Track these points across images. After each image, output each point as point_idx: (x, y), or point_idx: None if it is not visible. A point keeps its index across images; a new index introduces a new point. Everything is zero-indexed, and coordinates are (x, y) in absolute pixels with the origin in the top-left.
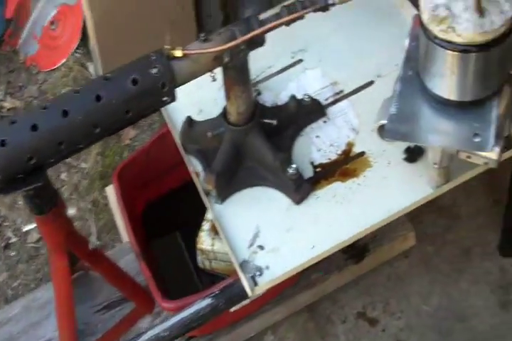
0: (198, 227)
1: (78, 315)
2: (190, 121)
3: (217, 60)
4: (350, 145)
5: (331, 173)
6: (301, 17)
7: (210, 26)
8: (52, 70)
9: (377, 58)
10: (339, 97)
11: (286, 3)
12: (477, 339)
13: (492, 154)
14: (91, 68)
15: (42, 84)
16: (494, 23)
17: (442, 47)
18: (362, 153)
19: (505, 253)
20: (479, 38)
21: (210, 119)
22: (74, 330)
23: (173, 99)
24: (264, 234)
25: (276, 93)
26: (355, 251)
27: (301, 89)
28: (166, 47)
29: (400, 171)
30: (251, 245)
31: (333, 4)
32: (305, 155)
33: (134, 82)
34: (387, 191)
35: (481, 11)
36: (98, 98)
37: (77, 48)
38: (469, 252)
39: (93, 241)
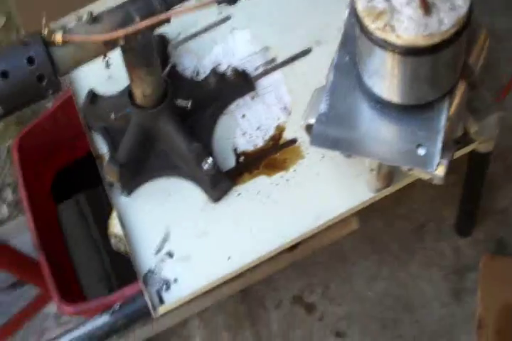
0: None
1: None
2: (92, 97)
3: (109, 45)
4: (280, 129)
5: (256, 164)
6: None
7: None
8: None
9: (317, 20)
10: (271, 67)
11: None
12: (424, 333)
13: (438, 171)
14: None
15: None
16: (443, 23)
17: (379, 46)
18: (293, 141)
19: (461, 232)
20: (423, 41)
21: (116, 95)
22: None
23: (56, 89)
24: (175, 238)
25: (199, 57)
26: None
27: (227, 54)
28: (44, 32)
29: (335, 167)
30: (158, 251)
31: None
32: (228, 140)
33: (4, 75)
34: (320, 191)
35: (427, 7)
36: None
37: None
38: (422, 229)
39: (7, 196)
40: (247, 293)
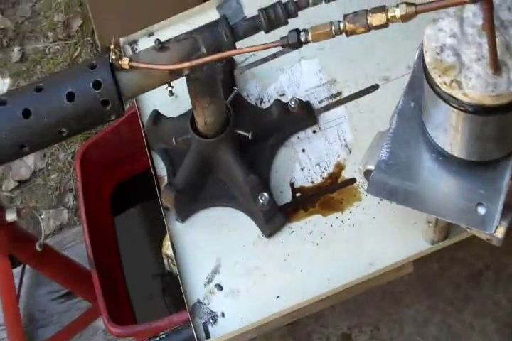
0: None
1: (34, 301)
2: (156, 117)
3: (174, 74)
4: (340, 167)
5: (312, 202)
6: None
7: None
8: None
9: (388, 55)
10: (335, 101)
11: (264, 7)
12: None
13: (497, 232)
14: None
15: (35, 4)
16: None
17: (445, 100)
18: (352, 181)
19: None
20: (490, 101)
21: (179, 118)
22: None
23: (119, 114)
24: (225, 271)
25: (264, 85)
26: None
27: (293, 84)
28: (111, 55)
29: (393, 212)
30: (208, 282)
31: (306, 42)
32: (286, 173)
33: (70, 97)
34: (374, 236)
35: (496, 65)
36: (26, 113)
37: None
38: (480, 276)
39: (69, 201)
40: (294, 327)
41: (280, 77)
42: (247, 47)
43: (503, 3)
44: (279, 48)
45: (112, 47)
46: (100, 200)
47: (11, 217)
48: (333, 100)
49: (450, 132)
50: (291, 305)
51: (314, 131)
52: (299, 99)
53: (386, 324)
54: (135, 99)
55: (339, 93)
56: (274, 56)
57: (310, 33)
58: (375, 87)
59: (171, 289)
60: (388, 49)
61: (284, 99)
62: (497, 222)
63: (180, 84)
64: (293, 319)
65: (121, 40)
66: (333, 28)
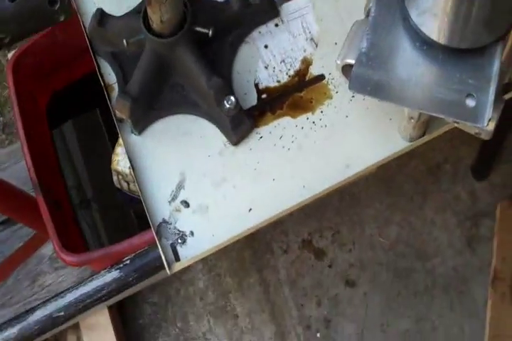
0: None
1: None
2: (101, 17)
3: None
4: (306, 63)
5: (280, 104)
6: None
7: None
8: None
9: None
10: None
11: None
12: (436, 284)
13: (488, 126)
14: None
15: None
16: None
17: None
18: (320, 77)
19: (478, 175)
20: None
21: (127, 16)
22: None
23: (67, 15)
24: (191, 185)
25: None
26: None
27: None
28: None
29: (366, 109)
30: (173, 199)
31: None
32: (249, 73)
33: None
34: (349, 137)
35: None
36: None
37: None
38: (438, 170)
39: None
40: (253, 237)
41: None
42: None
43: None
44: None
45: None
46: (36, 113)
47: None
48: None
49: (438, 16)
50: (265, 218)
51: (276, 25)
52: None
53: (347, 226)
54: None
55: None
56: None
57: None
58: None
59: (124, 208)
60: None
61: None
62: (489, 114)
63: None
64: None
65: None
66: None
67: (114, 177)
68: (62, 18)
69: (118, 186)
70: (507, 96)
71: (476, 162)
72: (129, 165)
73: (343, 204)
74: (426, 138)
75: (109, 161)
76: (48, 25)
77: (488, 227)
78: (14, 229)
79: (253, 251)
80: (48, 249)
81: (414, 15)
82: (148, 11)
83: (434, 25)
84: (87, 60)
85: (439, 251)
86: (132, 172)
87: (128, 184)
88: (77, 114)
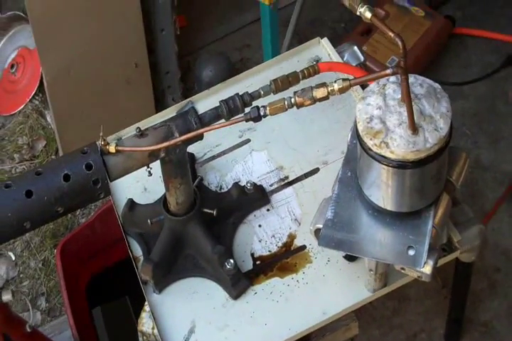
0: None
1: None
2: (131, 205)
3: (152, 156)
4: (291, 237)
5: (271, 267)
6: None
7: (168, 82)
8: (10, 115)
9: (324, 143)
10: (284, 184)
11: (224, 99)
12: None
13: (425, 269)
14: (48, 117)
15: None
16: (428, 142)
17: (376, 160)
18: (303, 247)
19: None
20: (412, 156)
21: (152, 204)
22: None
23: (107, 193)
24: (200, 330)
25: (222, 174)
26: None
27: (246, 172)
28: (100, 142)
29: (339, 270)
30: None
31: (265, 116)
32: (246, 245)
33: (66, 178)
34: (325, 291)
35: (414, 128)
36: (29, 194)
37: (35, 94)
38: (415, 338)
39: (42, 303)
40: None
41: (235, 167)
42: (216, 124)
43: (416, 81)
44: (233, 143)
45: (101, 134)
46: (78, 291)
47: (6, 297)
48: (282, 183)
49: (382, 188)
50: None
51: (268, 209)
52: (253, 182)
53: None
54: (111, 193)
55: (286, 177)
56: (228, 151)
57: (268, 108)
58: (316, 171)
59: None
60: (325, 138)
61: (241, 185)
62: (424, 259)
63: (151, 182)
64: None
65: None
66: (285, 102)
67: (140, 339)
68: (102, 195)
69: None
70: (451, 257)
71: (447, 331)
72: (151, 326)
73: None
74: (387, 289)
75: None
76: (91, 201)
77: None
78: None
79: None
80: None
81: (365, 189)
82: (167, 195)
83: (379, 195)
84: (120, 249)
85: None
86: (148, 333)
87: None
88: (109, 299)
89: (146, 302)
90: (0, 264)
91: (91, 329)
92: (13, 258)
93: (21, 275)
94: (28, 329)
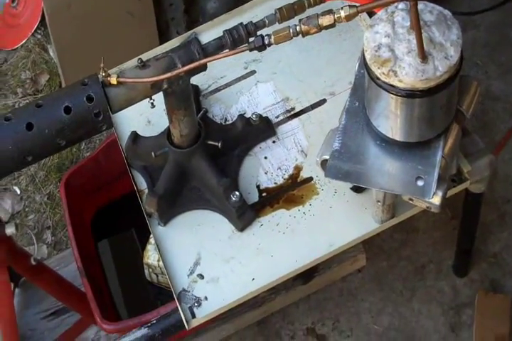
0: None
1: (24, 321)
2: (134, 137)
3: (155, 87)
4: (298, 169)
5: (277, 199)
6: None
7: (171, 14)
8: (12, 50)
9: (331, 74)
10: (290, 115)
11: (228, 28)
12: None
13: (434, 200)
14: (51, 51)
15: (2, 65)
16: (437, 70)
17: (384, 89)
18: (309, 179)
19: (458, 273)
20: (421, 85)
21: (155, 137)
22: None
23: (109, 125)
24: (205, 262)
25: (227, 106)
26: (303, 271)
27: (252, 104)
28: (101, 74)
29: (346, 201)
30: (191, 273)
31: (270, 44)
32: (252, 177)
33: (67, 110)
34: (332, 223)
35: (423, 56)
36: (29, 126)
37: (38, 28)
38: (423, 269)
39: (47, 237)
40: (264, 326)
41: (240, 99)
42: (220, 54)
43: (425, 8)
44: (238, 75)
45: (101, 65)
46: (83, 224)
47: (10, 230)
48: (288, 114)
49: (390, 118)
50: (265, 285)
51: (274, 141)
52: (259, 114)
53: (345, 316)
54: (114, 126)
55: (292, 108)
56: (233, 82)
57: (272, 36)
58: (323, 102)
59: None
60: (332, 69)
61: (246, 116)
62: (434, 190)
63: (155, 115)
64: (265, 314)
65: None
66: (291, 30)
67: (146, 271)
68: (104, 127)
69: (149, 279)
70: (461, 187)
71: (456, 262)
72: (157, 258)
73: (342, 299)
74: (394, 220)
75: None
76: (93, 134)
77: (468, 316)
78: (63, 317)
79: (264, 337)
80: (91, 332)
81: (373, 119)
82: (171, 127)
83: (388, 125)
84: (125, 182)
85: (426, 337)
86: (153, 265)
87: (157, 276)
88: (114, 232)
89: (152, 235)
90: (5, 198)
91: (96, 263)
92: (18, 192)
93: (27, 209)
94: (33, 262)
